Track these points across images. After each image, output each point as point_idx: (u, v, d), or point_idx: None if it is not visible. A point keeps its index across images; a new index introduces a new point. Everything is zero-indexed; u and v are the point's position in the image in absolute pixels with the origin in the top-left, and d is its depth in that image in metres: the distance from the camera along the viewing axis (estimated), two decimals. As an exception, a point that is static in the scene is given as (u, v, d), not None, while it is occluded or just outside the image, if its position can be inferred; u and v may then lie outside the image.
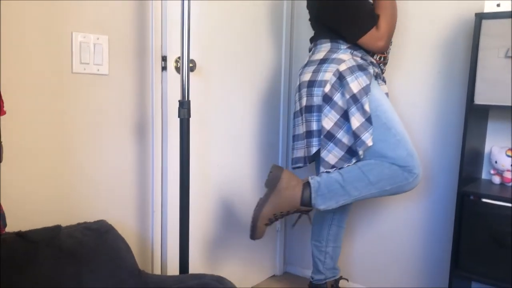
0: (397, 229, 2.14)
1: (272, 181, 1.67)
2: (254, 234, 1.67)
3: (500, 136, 1.87)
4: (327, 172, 1.68)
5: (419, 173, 1.64)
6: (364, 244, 2.25)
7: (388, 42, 1.73)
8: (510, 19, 1.56)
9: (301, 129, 1.82)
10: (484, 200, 1.66)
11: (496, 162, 1.81)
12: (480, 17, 1.62)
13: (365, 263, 2.25)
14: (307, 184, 1.68)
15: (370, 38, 1.69)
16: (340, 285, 2.20)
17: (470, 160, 1.77)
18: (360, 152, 1.64)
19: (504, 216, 1.61)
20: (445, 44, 1.97)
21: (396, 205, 2.14)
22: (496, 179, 1.82)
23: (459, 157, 1.90)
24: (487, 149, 1.90)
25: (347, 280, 2.08)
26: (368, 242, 2.23)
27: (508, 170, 1.79)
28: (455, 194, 1.94)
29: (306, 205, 1.67)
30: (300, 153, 1.84)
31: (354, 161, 1.68)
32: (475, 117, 1.74)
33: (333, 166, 1.68)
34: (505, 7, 1.59)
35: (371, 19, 1.69)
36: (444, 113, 1.99)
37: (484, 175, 1.93)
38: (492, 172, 1.84)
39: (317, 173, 1.94)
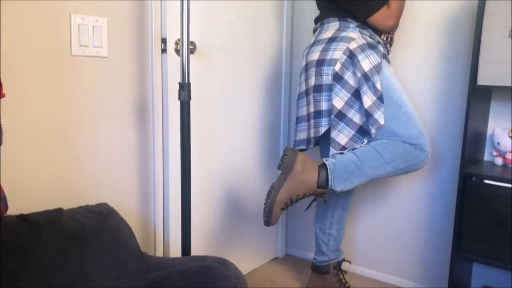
0: (400, 211, 2.15)
1: (287, 165, 1.63)
2: (270, 219, 1.63)
3: (503, 118, 1.86)
4: (340, 153, 1.67)
5: (429, 150, 1.65)
6: (367, 226, 2.25)
7: (398, 21, 1.72)
8: (514, -2, 1.54)
9: (305, 111, 1.80)
10: (486, 181, 1.65)
11: (498, 143, 1.80)
12: (484, -4, 1.60)
13: (367, 246, 2.26)
14: (323, 166, 1.66)
15: (381, 17, 1.67)
16: (342, 267, 2.21)
17: (472, 141, 1.76)
18: (373, 131, 1.63)
19: (506, 197, 1.61)
20: (448, 24, 1.94)
21: (399, 188, 2.13)
22: (499, 161, 1.81)
23: (462, 139, 1.89)
24: (489, 130, 1.89)
25: (350, 263, 2.09)
26: (371, 225, 2.24)
27: (510, 152, 1.78)
28: (457, 176, 1.94)
29: (322, 187, 1.65)
30: (303, 135, 1.83)
31: (365, 141, 1.66)
32: (478, 98, 1.73)
33: (343, 147, 1.67)
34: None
35: None
36: (446, 94, 1.97)
37: (486, 157, 1.92)
38: (494, 153, 1.83)
39: (322, 156, 1.94)
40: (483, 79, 1.63)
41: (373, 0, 1.67)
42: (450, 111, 1.97)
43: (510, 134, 1.77)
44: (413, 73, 2.04)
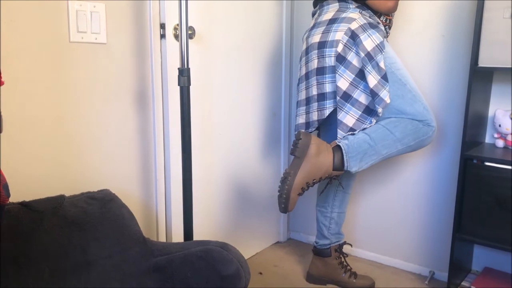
0: (401, 194, 2.15)
1: (302, 149, 1.61)
2: (287, 206, 1.62)
3: (504, 100, 1.85)
4: (352, 134, 1.67)
5: (435, 126, 1.68)
6: (368, 209, 2.26)
7: (397, 2, 1.71)
8: (516, -22, 1.52)
9: (303, 95, 1.80)
10: (487, 163, 1.66)
11: (500, 125, 1.79)
12: (486, -24, 1.58)
13: (368, 229, 2.27)
14: (337, 148, 1.65)
15: None
16: (344, 250, 2.23)
17: (473, 123, 1.75)
18: (379, 110, 1.63)
19: (507, 179, 1.61)
20: (449, 6, 1.92)
21: (400, 170, 2.14)
22: (500, 143, 1.81)
23: (463, 121, 1.88)
24: (491, 112, 1.89)
25: (351, 246, 2.11)
26: (372, 208, 2.25)
27: (511, 134, 1.77)
28: (458, 158, 1.94)
29: (338, 169, 1.65)
30: (301, 119, 1.82)
31: (373, 121, 1.66)
32: (479, 80, 1.72)
33: (351, 129, 1.67)
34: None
35: None
36: (448, 76, 1.96)
37: (487, 139, 1.92)
38: (495, 135, 1.83)
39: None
40: (484, 61, 1.62)
41: None
42: (451, 93, 1.96)
43: (512, 116, 1.77)
44: (414, 55, 2.03)
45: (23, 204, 1.23)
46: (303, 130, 1.69)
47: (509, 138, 1.78)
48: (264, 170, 2.30)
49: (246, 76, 2.10)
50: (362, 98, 1.66)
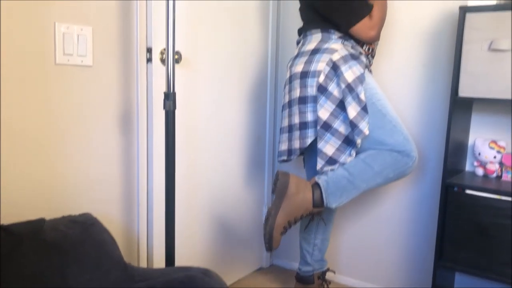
0: (383, 221, 2.16)
1: (281, 189, 1.65)
2: (271, 245, 1.64)
3: (484, 129, 1.89)
4: (331, 170, 1.69)
5: (416, 156, 1.68)
6: (351, 236, 2.26)
7: (379, 32, 1.74)
8: (493, 13, 1.58)
9: (286, 122, 1.82)
10: (468, 191, 1.68)
11: (479, 154, 1.83)
12: (464, 10, 1.63)
13: (352, 256, 2.27)
14: (316, 185, 1.68)
15: (363, 27, 1.69)
16: (327, 277, 2.21)
17: (454, 152, 1.78)
18: (358, 141, 1.65)
19: (488, 207, 1.63)
20: (430, 37, 1.98)
21: (383, 198, 2.15)
22: (480, 171, 1.84)
23: (444, 149, 1.92)
24: (470, 141, 1.93)
25: (334, 272, 2.09)
26: (355, 235, 2.25)
27: (491, 162, 1.81)
28: (439, 186, 1.97)
29: (318, 206, 1.67)
30: (284, 146, 1.84)
31: (352, 152, 1.68)
32: (459, 109, 1.76)
33: (330, 158, 1.69)
34: (488, 0, 1.61)
35: (365, 8, 1.69)
36: (429, 105, 2.00)
37: (468, 167, 1.95)
38: (475, 164, 1.86)
39: (305, 166, 1.95)
40: (464, 91, 1.67)
41: (356, 10, 1.69)
42: (433, 122, 2.00)
43: (491, 145, 1.80)
44: (396, 84, 2.07)
45: (2, 228, 1.20)
46: (282, 171, 1.72)
47: (489, 166, 1.81)
48: (248, 195, 2.29)
49: (231, 100, 2.12)
50: (342, 128, 1.68)
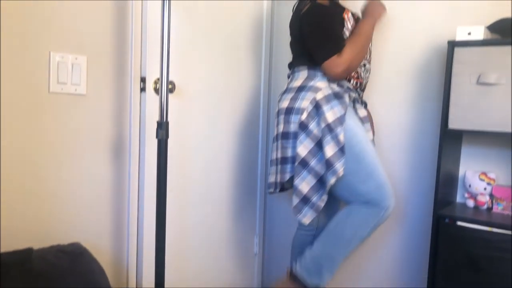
0: (374, 252, 2.15)
1: None
2: None
3: (474, 160, 1.91)
4: (308, 249, 1.73)
5: (389, 204, 1.63)
6: (342, 270, 2.24)
7: (348, 71, 1.70)
8: (481, 47, 1.62)
9: (274, 155, 1.83)
10: (459, 223, 1.68)
11: (470, 185, 1.84)
12: (453, 44, 1.67)
13: None
14: (293, 277, 1.72)
15: (330, 64, 1.67)
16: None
17: (445, 183, 1.79)
18: (332, 181, 1.63)
19: (479, 239, 1.63)
20: (420, 70, 2.02)
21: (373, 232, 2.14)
22: (470, 203, 1.85)
23: (435, 181, 1.92)
24: (461, 173, 1.94)
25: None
26: (346, 268, 2.23)
27: (481, 194, 1.82)
28: (430, 217, 1.97)
29: None
30: (272, 178, 1.85)
31: (323, 194, 1.67)
32: (450, 141, 1.78)
33: (304, 196, 1.68)
34: (475, 35, 1.65)
35: (335, 45, 1.67)
36: (419, 137, 2.03)
37: (458, 199, 1.96)
38: (466, 195, 1.87)
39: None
40: (454, 123, 1.69)
41: (328, 47, 1.68)
42: (423, 154, 2.02)
43: (481, 177, 1.82)
44: (387, 117, 2.09)
45: (-11, 257, 1.18)
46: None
47: (479, 198, 1.82)
48: (239, 225, 2.27)
49: (224, 130, 2.12)
50: (318, 167, 1.67)
